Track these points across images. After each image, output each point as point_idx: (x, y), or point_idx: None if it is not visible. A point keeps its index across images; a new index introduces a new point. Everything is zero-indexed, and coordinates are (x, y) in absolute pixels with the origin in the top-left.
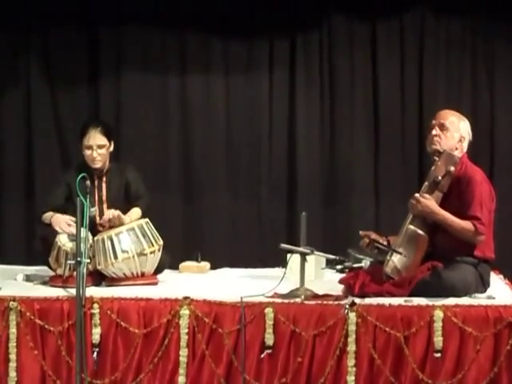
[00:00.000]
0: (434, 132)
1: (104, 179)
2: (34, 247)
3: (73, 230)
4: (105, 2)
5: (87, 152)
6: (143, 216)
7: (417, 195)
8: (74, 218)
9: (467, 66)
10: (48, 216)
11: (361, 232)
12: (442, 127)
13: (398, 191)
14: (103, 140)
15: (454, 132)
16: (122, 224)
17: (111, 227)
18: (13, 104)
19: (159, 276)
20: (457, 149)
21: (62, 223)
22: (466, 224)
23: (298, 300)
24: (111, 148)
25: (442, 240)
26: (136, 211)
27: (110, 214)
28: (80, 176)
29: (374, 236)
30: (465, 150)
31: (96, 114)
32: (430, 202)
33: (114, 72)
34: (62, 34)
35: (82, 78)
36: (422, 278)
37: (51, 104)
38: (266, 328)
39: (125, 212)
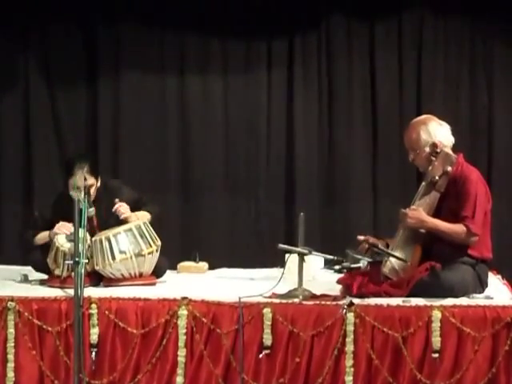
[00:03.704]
0: (410, 158)
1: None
2: (32, 257)
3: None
4: (103, 2)
5: (73, 191)
6: (152, 222)
7: (404, 210)
8: (67, 224)
9: (465, 65)
10: (44, 234)
11: (359, 237)
12: (412, 150)
13: (396, 191)
14: (91, 179)
15: (423, 148)
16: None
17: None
18: (11, 104)
19: None
20: (437, 153)
21: (60, 226)
22: (458, 227)
23: (296, 300)
24: (98, 183)
25: (439, 241)
26: (144, 214)
27: (119, 206)
28: (79, 175)
29: (372, 240)
30: (448, 143)
31: (94, 114)
32: (418, 212)
33: (112, 72)
34: (61, 34)
35: (80, 77)
36: (420, 278)
37: (50, 104)
38: (264, 328)
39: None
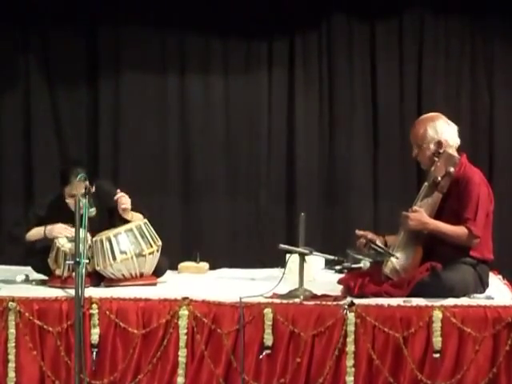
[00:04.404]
0: (413, 154)
1: None
2: (31, 259)
3: (72, 233)
4: (104, 2)
5: (70, 199)
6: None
7: (405, 213)
8: (69, 228)
9: (466, 66)
10: (37, 230)
11: (357, 232)
12: (417, 146)
13: (397, 192)
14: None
15: (428, 144)
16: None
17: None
18: (12, 104)
19: None
20: (440, 153)
21: (62, 230)
22: (460, 229)
23: (297, 300)
24: (93, 189)
25: (440, 241)
26: (137, 214)
27: (121, 196)
28: (79, 176)
29: (370, 236)
30: (453, 144)
31: (95, 114)
32: (419, 214)
33: (113, 72)
34: (62, 34)
35: (81, 78)
36: (421, 278)
37: (50, 104)
38: (265, 328)
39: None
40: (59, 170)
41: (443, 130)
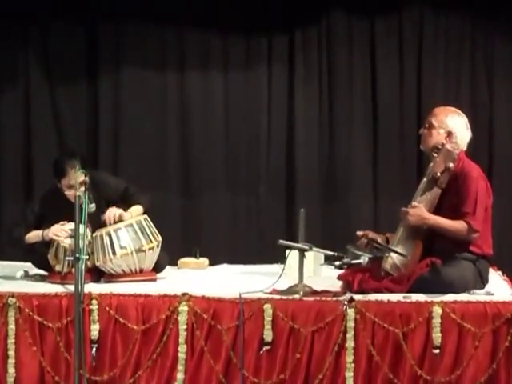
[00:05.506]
0: (420, 131)
1: None
2: (32, 258)
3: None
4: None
5: (68, 191)
6: (146, 213)
7: (405, 208)
8: (67, 227)
9: (466, 62)
10: (36, 234)
11: (358, 232)
12: (430, 125)
13: (397, 188)
14: (82, 177)
15: (440, 129)
16: (121, 220)
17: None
18: (12, 102)
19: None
20: (438, 149)
21: (57, 231)
22: (459, 224)
23: (297, 296)
24: (86, 178)
25: (440, 237)
26: (137, 208)
27: (112, 214)
28: (80, 171)
29: (371, 235)
30: (461, 144)
31: (95, 112)
32: (419, 209)
33: (112, 69)
34: (61, 32)
35: (81, 75)
36: (420, 274)
37: (50, 102)
38: (265, 324)
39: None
40: (53, 162)
41: (460, 128)
